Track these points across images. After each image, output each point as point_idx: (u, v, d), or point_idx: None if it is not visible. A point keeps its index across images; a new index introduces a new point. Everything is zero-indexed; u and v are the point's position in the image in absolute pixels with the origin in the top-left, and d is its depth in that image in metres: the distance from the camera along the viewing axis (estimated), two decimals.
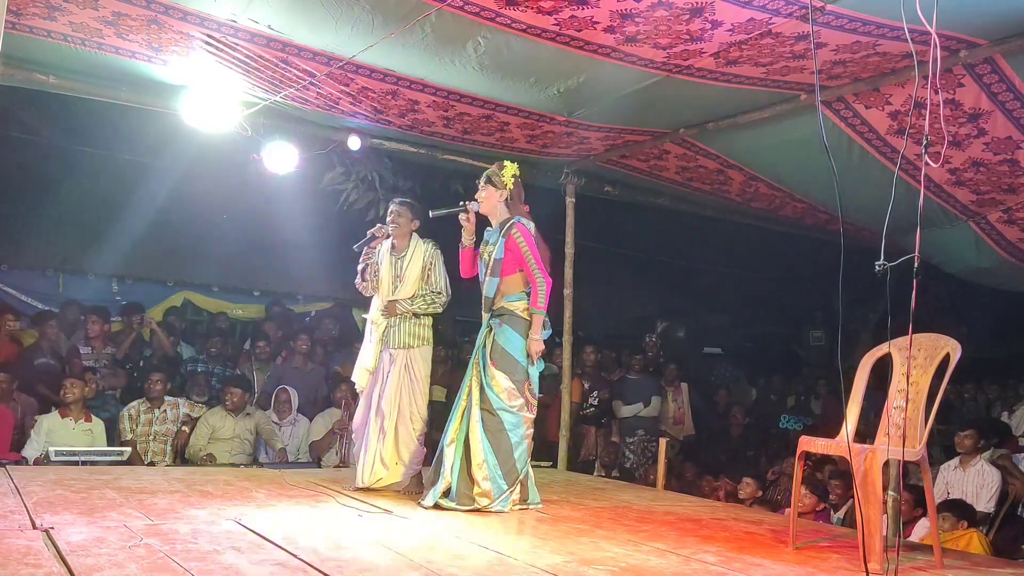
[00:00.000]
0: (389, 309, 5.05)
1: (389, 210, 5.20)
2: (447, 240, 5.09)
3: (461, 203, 4.83)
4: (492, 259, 4.65)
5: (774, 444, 8.14)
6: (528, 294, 4.63)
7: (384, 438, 4.95)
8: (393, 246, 5.13)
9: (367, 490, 4.92)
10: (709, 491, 6.87)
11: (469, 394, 4.59)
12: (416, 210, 5.16)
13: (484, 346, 4.63)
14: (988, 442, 6.25)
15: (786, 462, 7.36)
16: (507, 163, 4.75)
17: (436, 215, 4.88)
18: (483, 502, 4.43)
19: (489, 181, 4.73)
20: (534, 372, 4.62)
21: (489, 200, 4.73)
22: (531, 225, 4.68)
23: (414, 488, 4.99)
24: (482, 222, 4.84)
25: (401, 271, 5.06)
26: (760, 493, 6.55)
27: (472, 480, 4.45)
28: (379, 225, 5.20)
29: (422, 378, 5.05)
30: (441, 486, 4.50)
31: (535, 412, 4.69)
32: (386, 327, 5.07)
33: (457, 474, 4.47)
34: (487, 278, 4.69)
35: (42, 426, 6.19)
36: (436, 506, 4.46)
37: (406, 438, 4.98)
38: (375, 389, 5.05)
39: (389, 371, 5.01)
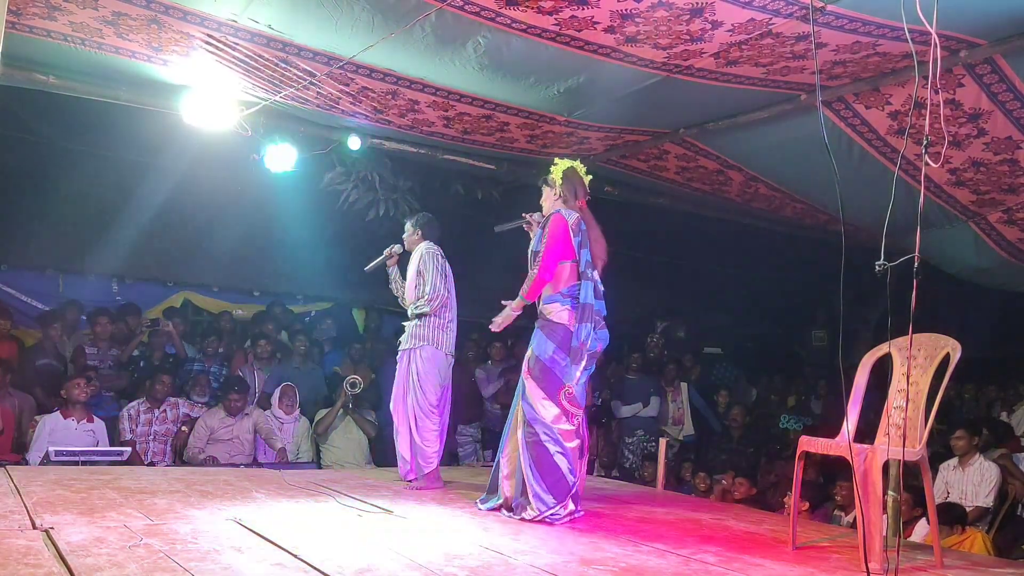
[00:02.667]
0: (409, 315, 5.40)
1: None
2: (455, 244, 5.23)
3: (522, 215, 4.88)
4: (531, 252, 4.63)
5: (774, 444, 8.13)
6: (565, 295, 4.44)
7: (399, 435, 5.31)
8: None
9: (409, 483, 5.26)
10: (705, 490, 6.88)
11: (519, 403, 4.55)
12: (418, 220, 5.52)
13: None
14: (982, 439, 6.24)
15: (778, 464, 7.38)
16: (558, 160, 4.71)
17: (500, 230, 4.96)
18: (531, 514, 4.32)
19: (544, 182, 4.74)
20: (573, 380, 4.35)
21: (547, 201, 4.73)
22: (572, 216, 4.49)
23: (423, 484, 5.16)
24: None
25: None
26: (754, 491, 6.56)
27: (525, 492, 4.40)
28: (392, 245, 5.56)
29: (424, 377, 5.21)
30: (499, 498, 4.51)
31: (576, 422, 4.39)
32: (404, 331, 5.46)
33: (515, 486, 4.44)
34: (529, 271, 4.61)
35: (44, 427, 6.18)
36: (492, 509, 4.51)
37: (415, 437, 5.22)
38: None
39: (398, 372, 5.38)
